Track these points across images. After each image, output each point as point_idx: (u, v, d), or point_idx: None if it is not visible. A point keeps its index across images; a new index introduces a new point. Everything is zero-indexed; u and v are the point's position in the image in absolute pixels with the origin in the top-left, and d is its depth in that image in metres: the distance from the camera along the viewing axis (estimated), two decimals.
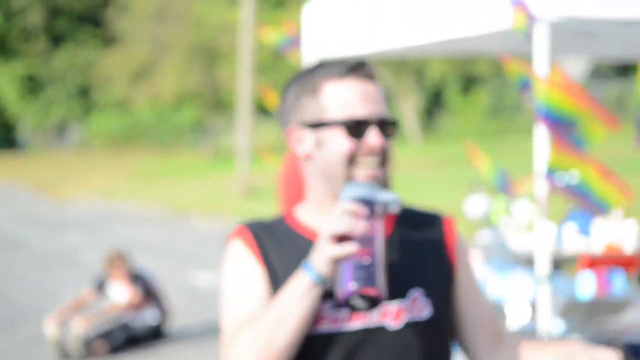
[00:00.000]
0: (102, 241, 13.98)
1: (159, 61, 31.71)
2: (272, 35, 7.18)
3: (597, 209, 4.41)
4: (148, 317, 7.56)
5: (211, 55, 30.98)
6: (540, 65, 4.61)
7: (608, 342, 4.50)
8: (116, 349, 7.22)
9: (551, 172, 4.48)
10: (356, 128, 1.88)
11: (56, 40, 42.10)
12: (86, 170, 29.08)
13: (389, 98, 2.78)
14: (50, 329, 7.00)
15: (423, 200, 8.05)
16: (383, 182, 1.91)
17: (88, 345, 7.12)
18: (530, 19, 4.36)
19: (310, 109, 1.92)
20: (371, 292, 1.77)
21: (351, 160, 1.88)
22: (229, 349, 1.84)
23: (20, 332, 7.94)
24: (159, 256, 11.95)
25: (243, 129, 21.44)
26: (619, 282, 5.24)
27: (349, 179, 1.88)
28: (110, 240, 13.84)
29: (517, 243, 6.83)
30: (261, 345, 1.81)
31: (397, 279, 1.87)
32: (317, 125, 1.91)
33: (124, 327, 7.37)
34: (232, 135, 36.76)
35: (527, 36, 4.37)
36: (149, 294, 7.53)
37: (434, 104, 32.84)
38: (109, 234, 14.93)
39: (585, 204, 4.41)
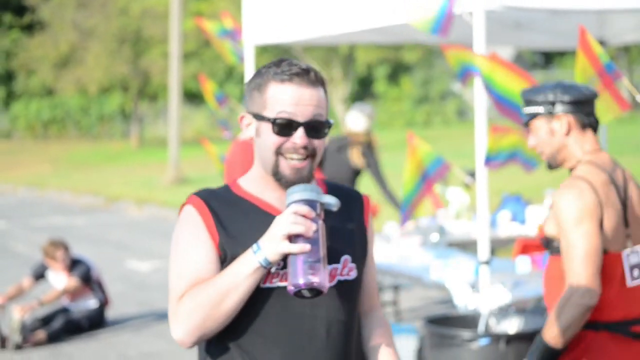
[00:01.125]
0: (32, 230, 13.81)
1: (84, 48, 31.26)
2: (212, 26, 7.23)
3: (527, 165, 4.67)
4: (88, 305, 7.55)
5: (138, 43, 30.66)
6: (479, 52, 4.75)
7: (543, 321, 4.67)
8: (56, 336, 7.19)
9: (489, 157, 4.64)
10: (285, 127, 2.22)
11: None
12: (11, 159, 28.59)
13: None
14: None
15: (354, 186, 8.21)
16: (307, 174, 2.25)
17: (27, 333, 7.07)
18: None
19: (257, 102, 2.28)
20: (317, 286, 2.09)
21: (278, 152, 2.23)
22: (177, 309, 2.18)
23: None
24: (93, 244, 11.87)
25: (173, 117, 21.31)
26: None
27: (276, 166, 2.24)
28: (41, 229, 13.68)
29: (452, 229, 7.01)
30: (207, 312, 2.15)
31: (332, 245, 2.23)
32: (258, 117, 2.27)
33: (64, 315, 7.34)
34: (160, 123, 36.49)
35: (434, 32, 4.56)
36: (88, 281, 7.51)
37: (362, 93, 33.06)
38: (38, 223, 14.75)
39: (517, 163, 4.64)
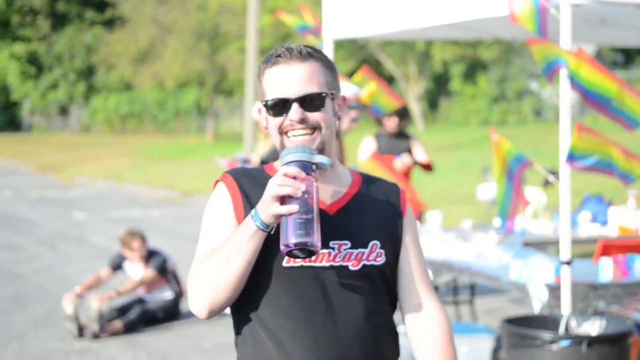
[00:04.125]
0: (109, 222, 14.02)
1: (163, 44, 31.64)
2: (292, 20, 7.23)
3: (624, 179, 4.50)
4: (163, 296, 7.62)
5: (215, 39, 30.92)
6: (565, 47, 4.65)
7: (625, 325, 4.54)
8: (131, 326, 7.27)
9: (573, 155, 4.52)
10: (280, 106, 2.30)
11: (59, 22, 42.03)
12: (89, 152, 29.12)
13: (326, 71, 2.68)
14: (67, 306, 7.04)
15: (431, 184, 8.11)
16: (315, 147, 2.29)
17: (104, 322, 7.16)
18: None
19: (260, 92, 2.38)
20: (308, 245, 2.11)
21: (281, 132, 2.31)
22: (192, 276, 2.26)
23: (34, 310, 7.99)
24: (168, 237, 11.99)
25: (248, 112, 21.43)
26: (637, 266, 5.27)
27: (282, 146, 2.31)
28: (118, 221, 13.88)
29: (529, 229, 6.88)
30: (213, 280, 2.21)
31: (361, 230, 2.31)
32: (263, 104, 2.35)
33: (140, 306, 7.42)
34: (235, 118, 36.75)
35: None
36: (164, 273, 7.58)
37: (437, 90, 32.81)
38: (116, 215, 14.98)
39: (612, 175, 4.48)
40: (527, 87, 31.77)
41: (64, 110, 42.62)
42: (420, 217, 7.03)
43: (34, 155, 28.72)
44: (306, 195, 2.14)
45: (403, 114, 7.65)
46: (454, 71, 32.59)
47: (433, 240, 6.24)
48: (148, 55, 32.32)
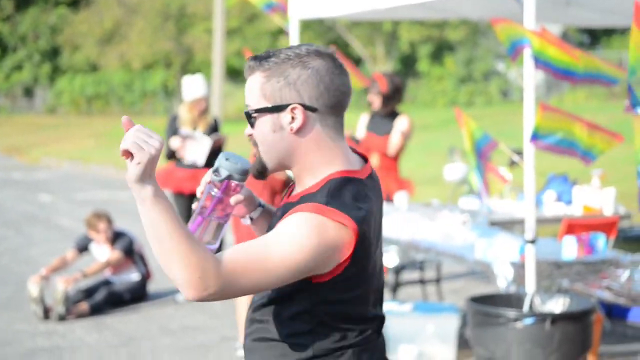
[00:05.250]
0: (75, 203, 13.94)
1: (129, 24, 31.41)
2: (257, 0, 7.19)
3: (585, 158, 4.54)
4: (130, 278, 7.60)
5: (181, 19, 30.75)
6: (529, 27, 4.68)
7: (588, 302, 4.60)
8: (98, 308, 7.24)
9: (537, 135, 4.56)
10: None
11: (22, 2, 41.50)
12: (55, 133, 28.87)
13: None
14: (32, 288, 7.01)
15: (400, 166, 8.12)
16: (256, 164, 2.26)
17: (70, 304, 7.13)
18: None
19: None
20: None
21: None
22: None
23: (0, 293, 7.94)
24: (135, 219, 11.92)
25: (216, 94, 21.35)
26: (601, 244, 5.34)
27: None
28: (85, 203, 13.80)
29: (495, 208, 6.93)
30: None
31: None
32: None
33: (106, 287, 7.40)
34: None
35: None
36: (130, 254, 7.56)
37: (405, 71, 32.86)
38: (81, 196, 14.88)
39: (574, 155, 4.51)
40: (494, 68, 31.92)
41: (28, 92, 42.17)
42: (390, 197, 7.04)
43: None
44: (201, 201, 2.28)
45: (389, 94, 7.55)
46: (421, 52, 32.64)
47: (400, 219, 6.27)
48: (114, 36, 32.09)
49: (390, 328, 5.79)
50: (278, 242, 2.08)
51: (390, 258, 6.19)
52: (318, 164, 2.23)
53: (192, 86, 7.96)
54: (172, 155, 7.90)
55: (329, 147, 2.23)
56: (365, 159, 2.33)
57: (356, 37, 30.34)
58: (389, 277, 7.71)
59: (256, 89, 2.21)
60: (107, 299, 7.33)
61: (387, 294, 7.35)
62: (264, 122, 2.21)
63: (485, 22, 27.58)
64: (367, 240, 2.18)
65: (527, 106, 4.77)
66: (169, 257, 2.03)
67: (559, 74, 4.57)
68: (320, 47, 2.24)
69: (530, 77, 4.77)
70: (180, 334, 6.66)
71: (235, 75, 34.34)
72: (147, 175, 2.05)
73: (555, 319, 4.27)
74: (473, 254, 5.34)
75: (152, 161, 2.05)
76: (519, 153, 5.63)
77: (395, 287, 6.76)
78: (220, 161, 2.26)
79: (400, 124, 7.50)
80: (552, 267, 4.93)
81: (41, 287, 7.02)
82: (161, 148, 2.07)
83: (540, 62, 4.56)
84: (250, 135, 2.25)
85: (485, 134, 4.87)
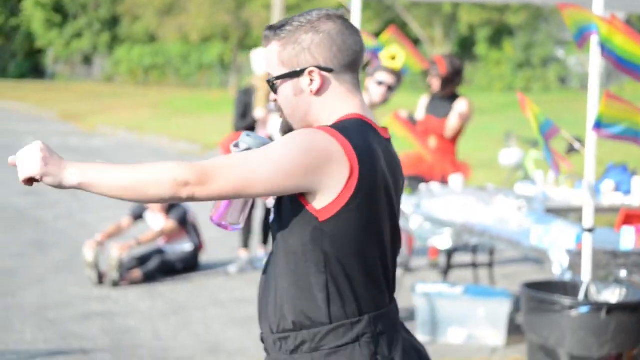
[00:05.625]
0: None
1: None
2: None
3: None
4: (183, 247, 7.67)
5: None
6: (598, 13, 4.61)
7: None
8: (151, 276, 7.33)
9: (600, 123, 4.49)
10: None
11: None
12: (112, 102, 29.17)
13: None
14: (88, 253, 7.11)
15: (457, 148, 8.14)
16: (285, 123, 2.37)
17: (124, 271, 7.23)
18: None
19: None
20: (223, 227, 2.41)
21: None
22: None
23: (55, 256, 8.07)
24: None
25: None
26: None
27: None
28: None
29: (551, 195, 6.86)
30: None
31: None
32: None
33: (159, 256, 7.48)
34: None
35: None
36: (184, 224, 7.62)
37: (462, 54, 32.58)
38: None
39: (638, 143, 4.44)
40: (553, 54, 31.50)
41: (87, 60, 42.66)
42: (445, 180, 7.00)
43: (57, 103, 28.80)
44: None
45: (448, 77, 7.48)
46: (480, 35, 32.33)
47: (454, 202, 6.24)
48: (173, 7, 32.26)
49: (441, 310, 5.79)
50: (266, 147, 2.22)
51: (443, 240, 6.17)
52: (337, 111, 2.33)
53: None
54: (251, 126, 7.78)
55: (348, 98, 2.34)
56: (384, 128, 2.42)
57: (415, 18, 30.15)
58: (440, 259, 7.70)
59: (274, 57, 2.33)
60: (159, 268, 7.42)
61: (438, 276, 7.34)
62: (286, 88, 2.33)
63: (548, 7, 27.12)
64: (372, 180, 2.23)
65: (592, 93, 4.70)
66: (139, 189, 2.15)
67: (621, 66, 4.48)
68: (330, 11, 2.35)
69: (596, 65, 4.70)
70: (231, 306, 6.71)
71: None
72: (55, 170, 2.15)
73: (611, 308, 4.23)
74: (529, 240, 5.30)
75: (44, 160, 2.15)
76: (579, 141, 5.57)
77: (447, 269, 6.74)
78: (242, 137, 2.39)
79: (459, 106, 7.45)
80: (609, 257, 4.87)
81: (96, 252, 7.12)
82: (41, 147, 2.16)
83: (606, 50, 4.49)
84: (275, 100, 2.36)
85: (548, 119, 4.81)
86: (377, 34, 13.79)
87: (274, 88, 2.34)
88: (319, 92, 2.31)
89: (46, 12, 41.73)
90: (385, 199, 2.27)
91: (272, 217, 2.34)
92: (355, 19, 7.04)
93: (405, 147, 7.47)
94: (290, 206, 2.25)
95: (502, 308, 5.73)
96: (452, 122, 7.40)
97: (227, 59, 35.71)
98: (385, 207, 2.28)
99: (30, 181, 2.17)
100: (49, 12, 41.82)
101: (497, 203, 6.18)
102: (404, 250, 7.20)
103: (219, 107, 26.65)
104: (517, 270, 7.93)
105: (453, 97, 7.51)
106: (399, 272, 6.80)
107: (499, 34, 32.36)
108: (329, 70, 2.31)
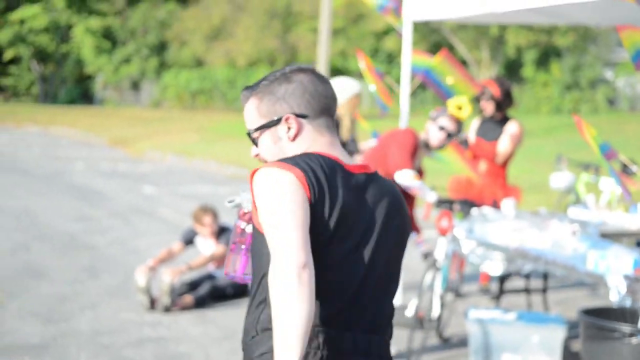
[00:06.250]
0: (178, 196, 14.19)
1: (236, 22, 31.79)
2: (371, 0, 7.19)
3: None
4: None
5: (287, 18, 30.97)
6: None
7: None
8: (202, 301, 7.35)
9: None
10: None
11: None
12: (160, 127, 29.44)
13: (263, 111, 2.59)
14: (140, 278, 7.15)
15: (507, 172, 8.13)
16: None
17: (175, 296, 7.26)
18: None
19: None
20: (238, 280, 2.63)
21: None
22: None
23: (107, 281, 8.13)
24: (237, 214, 12.06)
25: None
26: None
27: None
28: (188, 196, 14.03)
29: (605, 219, 6.77)
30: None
31: None
32: None
33: (210, 281, 7.50)
34: None
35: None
36: None
37: (509, 76, 32.42)
38: (184, 190, 15.14)
39: None
40: (602, 75, 31.22)
41: (135, 85, 43.15)
42: (497, 204, 6.94)
43: (106, 129, 29.15)
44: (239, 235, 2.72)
45: (501, 99, 7.44)
46: (527, 57, 32.17)
47: (507, 227, 6.18)
48: (220, 32, 32.53)
49: (495, 336, 5.72)
50: (272, 213, 2.28)
51: (495, 265, 6.10)
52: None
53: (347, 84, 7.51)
54: None
55: (317, 139, 2.46)
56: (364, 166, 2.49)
57: (461, 40, 30.08)
58: (492, 285, 7.62)
59: (253, 112, 2.49)
60: (210, 293, 7.43)
61: (489, 302, 7.26)
62: (265, 138, 2.49)
63: (597, 29, 26.88)
64: (327, 206, 2.31)
65: None
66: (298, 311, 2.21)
67: None
68: (302, 64, 2.53)
69: None
70: None
71: (338, 75, 34.38)
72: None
73: None
74: (584, 265, 5.23)
75: None
76: (635, 163, 5.49)
77: (499, 295, 6.67)
78: (241, 196, 2.66)
79: (510, 128, 7.40)
80: None
81: (148, 277, 7.16)
82: None
83: None
84: (257, 155, 2.52)
85: (605, 142, 4.75)
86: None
87: (255, 141, 2.50)
88: (295, 138, 2.46)
89: (96, 39, 42.32)
90: (360, 232, 2.38)
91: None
92: (407, 41, 7.05)
93: (456, 171, 7.43)
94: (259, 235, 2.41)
95: (557, 335, 5.65)
96: (504, 145, 7.35)
97: None
98: (356, 236, 2.37)
99: None
100: (99, 39, 42.41)
101: (551, 228, 6.10)
102: (455, 275, 7.14)
103: None
104: (570, 296, 7.83)
105: (504, 120, 7.47)
106: (449, 297, 6.75)
107: (546, 55, 32.18)
108: (304, 116, 2.45)
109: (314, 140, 2.46)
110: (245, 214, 2.66)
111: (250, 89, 2.51)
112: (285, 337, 2.16)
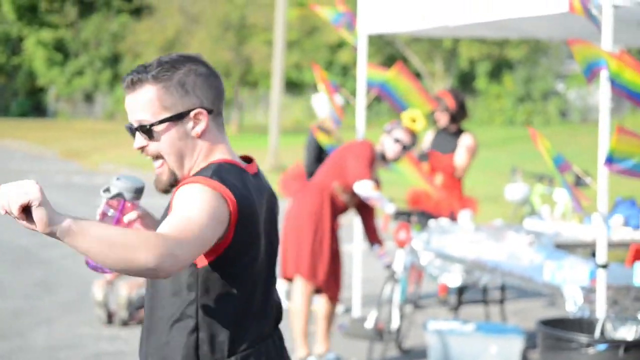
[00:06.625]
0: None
1: (190, 34, 31.70)
2: (326, 12, 7.22)
3: None
4: None
5: (242, 30, 30.96)
6: (607, 48, 4.63)
7: None
8: None
9: (611, 158, 4.50)
10: (130, 134, 2.34)
11: (86, 9, 42.18)
12: (114, 139, 29.23)
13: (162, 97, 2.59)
14: (97, 292, 7.09)
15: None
16: (166, 178, 2.34)
17: (133, 310, 7.20)
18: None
19: None
20: (97, 269, 2.31)
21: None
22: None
23: (63, 295, 8.04)
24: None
25: (274, 105, 21.45)
26: None
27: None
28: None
29: (560, 230, 6.85)
30: None
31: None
32: None
33: None
34: (259, 111, 36.78)
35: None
36: None
37: (463, 89, 32.72)
38: (141, 203, 15.02)
39: None
40: (553, 88, 31.64)
41: (89, 97, 42.80)
42: (454, 215, 6.99)
43: (59, 141, 28.86)
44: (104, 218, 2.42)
45: (456, 111, 7.50)
46: (480, 70, 32.50)
47: (464, 238, 6.23)
48: (175, 44, 32.38)
49: (453, 348, 5.76)
50: (192, 209, 2.13)
51: (453, 277, 6.15)
52: (212, 154, 2.33)
53: (322, 103, 7.71)
54: None
55: (219, 140, 2.34)
56: (249, 159, 2.44)
57: (415, 53, 30.30)
58: (450, 296, 7.67)
59: (154, 100, 2.26)
60: None
61: (448, 313, 7.31)
62: (169, 133, 2.28)
63: (547, 42, 27.21)
64: (251, 223, 2.25)
65: (603, 128, 4.71)
66: (126, 257, 1.99)
67: (634, 99, 4.51)
68: (190, 54, 2.36)
69: (606, 100, 4.72)
70: None
71: (292, 87, 34.49)
72: (49, 207, 1.96)
73: (629, 346, 4.21)
74: (541, 276, 5.29)
75: (41, 190, 1.96)
76: (589, 175, 5.58)
77: (457, 306, 6.72)
78: (111, 181, 2.41)
79: (465, 141, 7.47)
80: (623, 293, 4.86)
81: (106, 291, 7.10)
82: (36, 187, 1.95)
83: (617, 85, 4.52)
84: (142, 148, 2.31)
85: (559, 154, 4.82)
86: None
87: (150, 134, 2.27)
88: (202, 134, 2.31)
89: (47, 51, 41.91)
90: (264, 236, 2.34)
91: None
92: (362, 54, 7.09)
93: (411, 183, 7.47)
94: None
95: (515, 345, 5.70)
96: (460, 158, 7.43)
97: (229, 95, 35.79)
98: (263, 242, 2.34)
99: (23, 212, 1.94)
100: (50, 51, 42.00)
101: (508, 239, 6.17)
102: (413, 286, 7.17)
103: (306, 150, 26.70)
104: (527, 306, 7.91)
105: (458, 132, 7.54)
106: (408, 309, 6.78)
107: (499, 68, 32.54)
108: (210, 111, 2.31)
109: (216, 138, 2.33)
110: (119, 203, 2.42)
111: (146, 73, 2.27)
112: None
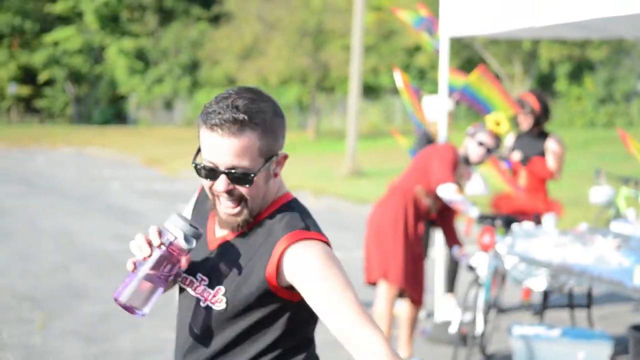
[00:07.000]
0: None
1: (267, 40, 31.94)
2: (407, 15, 7.19)
3: None
4: None
5: (319, 36, 31.07)
6: None
7: None
8: None
9: None
10: (210, 172, 2.22)
11: (166, 17, 42.87)
12: (193, 146, 29.58)
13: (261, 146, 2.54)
14: None
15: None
16: (241, 221, 2.26)
17: None
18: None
19: (200, 142, 2.27)
20: (118, 301, 2.22)
21: (212, 192, 2.26)
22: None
23: None
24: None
25: (352, 109, 21.45)
26: None
27: (214, 205, 2.28)
28: None
29: None
30: None
31: (215, 274, 2.29)
32: (194, 165, 2.31)
33: None
34: (336, 116, 36.85)
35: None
36: None
37: (542, 91, 32.29)
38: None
39: None
40: (636, 88, 30.99)
41: (168, 104, 43.47)
42: (538, 219, 6.89)
43: (140, 149, 29.35)
44: (146, 259, 2.25)
45: (539, 114, 7.38)
46: (560, 71, 32.02)
47: (549, 242, 6.12)
48: (252, 51, 32.67)
49: (538, 353, 5.66)
50: (340, 287, 2.17)
51: (538, 282, 6.04)
52: (279, 189, 2.34)
53: (433, 106, 7.64)
54: None
55: (280, 177, 2.33)
56: None
57: (494, 55, 30.00)
58: (533, 300, 7.55)
59: (254, 148, 2.20)
60: None
61: (532, 318, 7.20)
62: (261, 177, 2.24)
63: (632, 42, 26.71)
64: None
65: None
66: None
67: None
68: (260, 90, 2.28)
69: None
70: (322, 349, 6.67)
71: (370, 92, 34.50)
72: None
73: None
74: (631, 280, 5.16)
75: None
76: None
77: (542, 310, 6.61)
78: (174, 219, 2.28)
79: (552, 146, 7.36)
80: None
81: None
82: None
83: None
84: (230, 191, 2.23)
85: None
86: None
87: (250, 182, 2.21)
88: (277, 174, 2.31)
89: (129, 59, 42.70)
90: None
91: None
92: (444, 57, 7.03)
93: (494, 186, 7.38)
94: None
95: (603, 351, 5.58)
96: (552, 166, 7.33)
97: (305, 100, 35.97)
98: None
99: None
100: (131, 60, 42.78)
101: (595, 242, 6.04)
102: (497, 291, 7.08)
103: (297, 149, 26.83)
104: (613, 311, 7.74)
105: (541, 134, 7.42)
106: (492, 313, 6.69)
107: (580, 69, 32.01)
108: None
109: (279, 177, 2.34)
110: (174, 248, 2.26)
111: (243, 114, 2.18)
112: None
